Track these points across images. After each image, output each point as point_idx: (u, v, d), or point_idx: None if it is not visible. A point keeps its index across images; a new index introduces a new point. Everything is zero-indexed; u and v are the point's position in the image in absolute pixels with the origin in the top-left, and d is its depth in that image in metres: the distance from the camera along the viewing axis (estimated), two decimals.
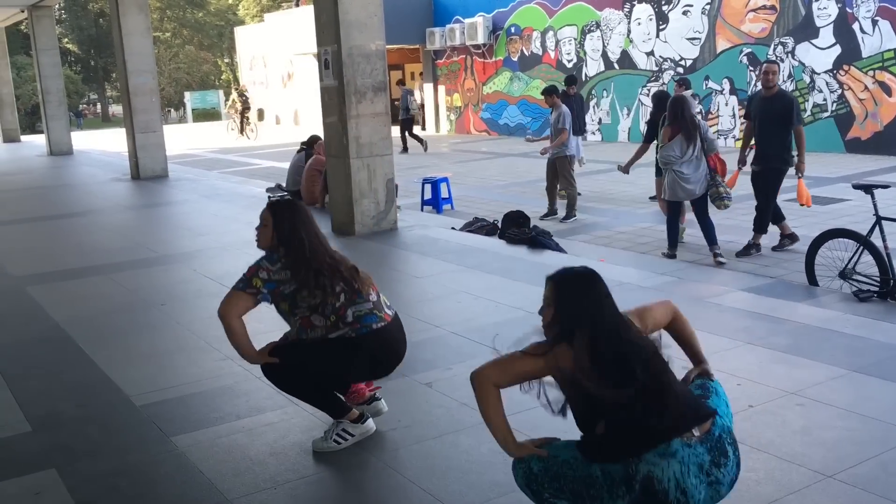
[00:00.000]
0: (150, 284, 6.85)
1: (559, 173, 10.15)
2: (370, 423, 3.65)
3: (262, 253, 3.49)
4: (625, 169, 9.40)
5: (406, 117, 19.80)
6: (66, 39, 49.08)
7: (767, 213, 7.67)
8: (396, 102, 20.23)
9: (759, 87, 7.85)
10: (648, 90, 18.71)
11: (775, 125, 7.46)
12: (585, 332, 2.47)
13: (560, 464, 2.52)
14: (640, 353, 2.46)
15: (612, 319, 2.51)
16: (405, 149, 19.70)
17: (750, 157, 7.87)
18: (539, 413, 2.74)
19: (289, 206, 3.54)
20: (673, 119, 7.47)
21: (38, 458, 3.62)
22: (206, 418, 3.94)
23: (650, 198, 8.64)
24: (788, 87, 15.77)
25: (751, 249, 7.57)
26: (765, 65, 7.83)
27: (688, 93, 10.65)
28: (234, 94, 28.46)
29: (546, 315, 2.58)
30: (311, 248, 3.41)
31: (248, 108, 27.94)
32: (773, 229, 7.85)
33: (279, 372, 3.47)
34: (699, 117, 7.96)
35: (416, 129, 21.50)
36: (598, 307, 2.51)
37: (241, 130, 27.47)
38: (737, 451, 2.52)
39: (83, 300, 6.45)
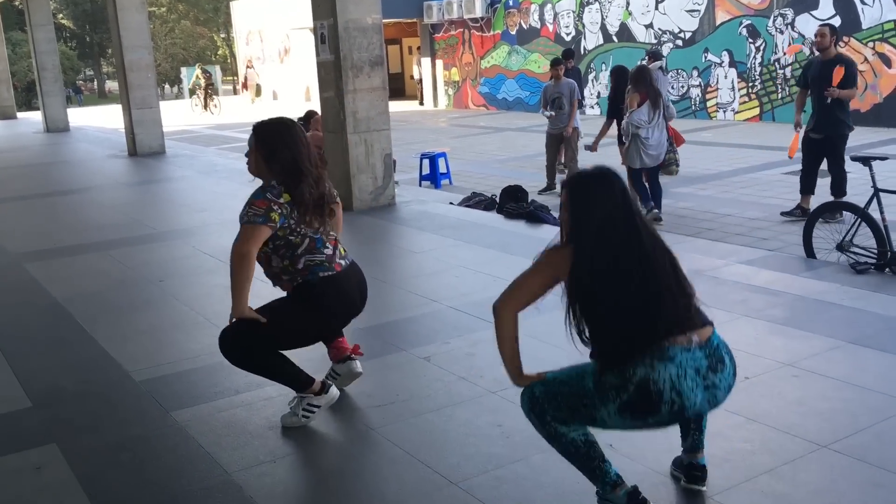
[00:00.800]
0: (148, 261, 6.86)
1: (568, 145, 10.13)
2: (333, 391, 3.63)
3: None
4: (593, 147, 9.67)
5: None
6: (60, 15, 48.64)
7: (843, 177, 7.64)
8: None
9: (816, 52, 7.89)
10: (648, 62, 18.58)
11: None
12: (591, 238, 2.55)
13: (558, 383, 2.63)
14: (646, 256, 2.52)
15: (620, 227, 2.54)
16: None
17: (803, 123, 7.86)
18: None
19: (272, 127, 3.47)
20: (640, 86, 7.89)
21: (38, 433, 3.65)
22: (205, 393, 3.96)
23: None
24: (788, 59, 15.70)
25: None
26: (817, 27, 7.82)
27: (656, 65, 10.92)
28: (198, 71, 30.23)
29: (560, 217, 2.68)
30: (299, 171, 3.38)
31: (212, 84, 29.53)
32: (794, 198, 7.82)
33: (242, 345, 3.42)
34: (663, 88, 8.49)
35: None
36: (606, 213, 2.55)
37: (205, 106, 28.66)
38: (733, 360, 2.62)
39: (82, 277, 6.45)
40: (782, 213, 7.86)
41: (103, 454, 3.42)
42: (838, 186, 7.66)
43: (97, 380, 4.26)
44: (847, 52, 13.99)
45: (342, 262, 3.53)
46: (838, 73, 7.45)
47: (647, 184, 8.10)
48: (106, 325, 5.12)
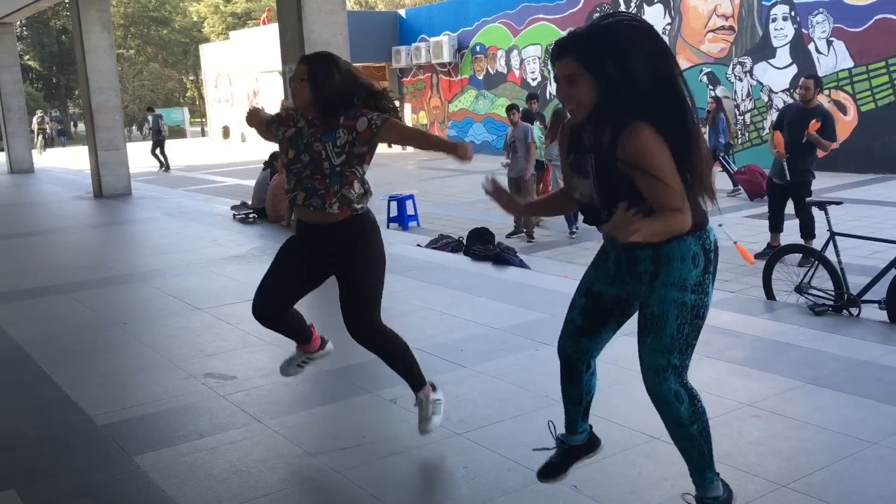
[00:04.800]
0: (112, 303, 6.79)
1: (526, 190, 10.25)
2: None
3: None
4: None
5: (158, 139, 23.02)
6: (27, 56, 48.47)
7: (811, 220, 7.85)
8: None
9: (796, 99, 8.32)
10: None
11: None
12: None
13: (677, 334, 2.64)
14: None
15: None
16: (167, 167, 22.23)
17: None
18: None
19: (322, 55, 3.57)
20: (553, 128, 10.07)
21: None
22: (168, 437, 3.92)
23: None
24: (747, 105, 16.12)
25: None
26: (801, 80, 8.20)
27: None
28: (37, 117, 34.82)
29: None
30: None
31: (44, 129, 34.81)
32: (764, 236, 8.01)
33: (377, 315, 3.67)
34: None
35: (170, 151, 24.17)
36: None
37: (44, 147, 32.70)
38: None
39: (44, 320, 6.37)
40: (755, 256, 7.97)
41: (63, 500, 3.36)
42: (807, 229, 7.86)
43: (58, 424, 4.20)
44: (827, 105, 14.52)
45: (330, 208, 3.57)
46: (814, 125, 7.74)
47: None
48: (67, 369, 5.05)
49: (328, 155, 3.42)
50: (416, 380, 3.65)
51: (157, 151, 22.74)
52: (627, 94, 2.39)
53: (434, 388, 3.69)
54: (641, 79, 2.37)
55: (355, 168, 3.48)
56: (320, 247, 3.57)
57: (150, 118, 24.23)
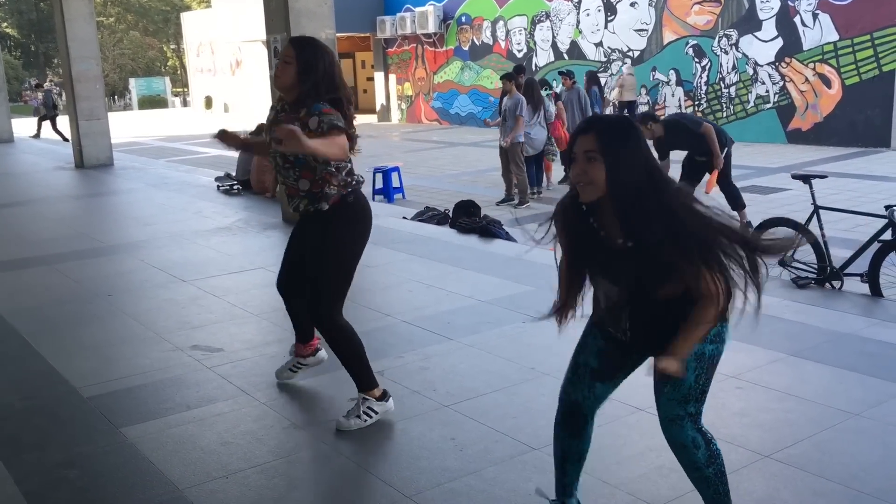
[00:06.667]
0: (96, 275, 6.75)
1: (512, 158, 10.32)
2: (392, 403, 3.73)
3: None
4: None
5: (52, 114, 23.10)
6: (5, 24, 47.69)
7: (735, 192, 8.06)
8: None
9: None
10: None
11: None
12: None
13: (698, 386, 2.56)
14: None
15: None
16: (66, 139, 21.40)
17: None
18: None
19: (313, 42, 3.53)
20: (526, 93, 10.55)
21: None
22: (155, 409, 3.92)
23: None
24: (733, 78, 16.11)
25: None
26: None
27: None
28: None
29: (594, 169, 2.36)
30: (336, 86, 3.46)
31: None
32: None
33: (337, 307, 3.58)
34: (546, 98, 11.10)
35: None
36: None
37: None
38: None
39: (27, 291, 6.33)
40: None
41: (51, 471, 3.36)
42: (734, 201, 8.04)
43: (44, 396, 4.19)
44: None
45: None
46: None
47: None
48: (52, 341, 5.03)
49: None
50: (362, 382, 3.66)
51: (53, 127, 22.63)
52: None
53: (385, 398, 3.69)
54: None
55: (320, 164, 3.46)
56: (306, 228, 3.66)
57: (40, 95, 24.50)
